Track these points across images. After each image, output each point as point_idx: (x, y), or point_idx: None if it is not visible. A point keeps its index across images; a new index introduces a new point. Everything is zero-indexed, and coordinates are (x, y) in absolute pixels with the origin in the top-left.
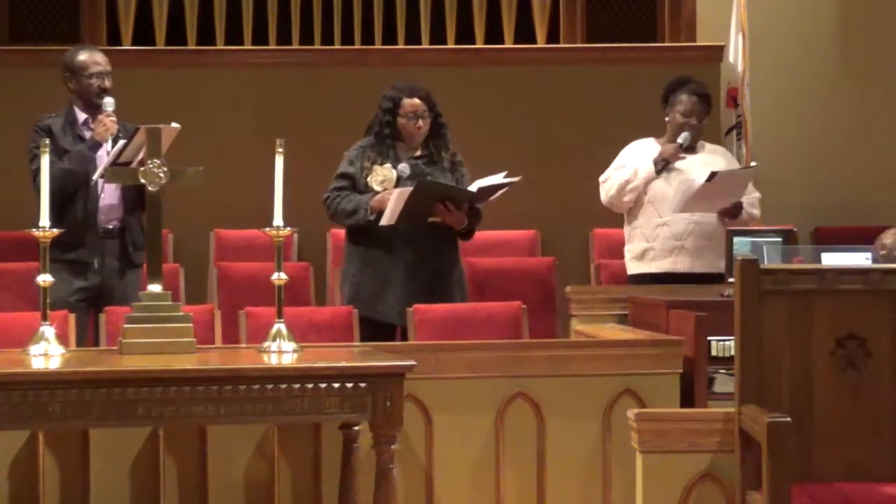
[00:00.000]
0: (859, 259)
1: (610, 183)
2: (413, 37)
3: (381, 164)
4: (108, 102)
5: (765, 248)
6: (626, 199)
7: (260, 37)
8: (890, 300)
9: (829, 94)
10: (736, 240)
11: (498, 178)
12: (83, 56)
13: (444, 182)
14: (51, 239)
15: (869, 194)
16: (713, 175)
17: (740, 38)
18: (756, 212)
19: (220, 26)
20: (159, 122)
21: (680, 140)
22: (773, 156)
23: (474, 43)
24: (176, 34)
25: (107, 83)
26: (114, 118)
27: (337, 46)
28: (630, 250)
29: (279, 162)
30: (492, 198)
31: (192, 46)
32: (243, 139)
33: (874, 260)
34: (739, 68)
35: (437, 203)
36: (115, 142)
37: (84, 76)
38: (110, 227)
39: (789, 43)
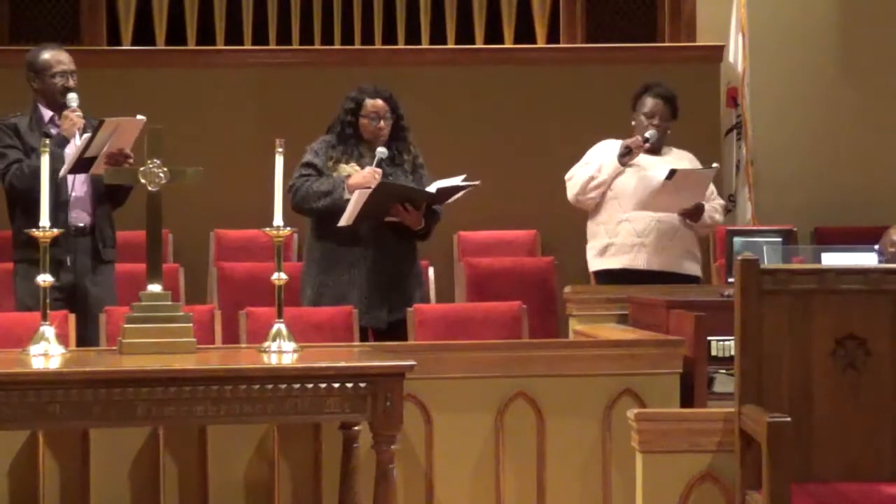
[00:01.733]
0: (866, 258)
1: (575, 180)
2: (413, 37)
3: (347, 163)
4: (72, 98)
5: (765, 248)
6: (590, 195)
7: (260, 37)
8: (890, 300)
9: (829, 94)
10: (735, 240)
11: (457, 181)
12: (46, 55)
13: (405, 183)
14: (26, 238)
15: (869, 194)
16: (672, 173)
17: (740, 38)
18: (718, 217)
19: (220, 26)
20: (159, 123)
21: (647, 135)
22: (773, 156)
23: (474, 43)
24: (176, 34)
25: (71, 82)
26: (79, 113)
27: (337, 46)
28: (593, 247)
29: (279, 162)
30: (449, 200)
31: (192, 46)
32: (243, 139)
33: (881, 256)
34: (739, 68)
35: (396, 203)
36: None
37: (48, 76)
38: (81, 224)
39: (789, 43)
